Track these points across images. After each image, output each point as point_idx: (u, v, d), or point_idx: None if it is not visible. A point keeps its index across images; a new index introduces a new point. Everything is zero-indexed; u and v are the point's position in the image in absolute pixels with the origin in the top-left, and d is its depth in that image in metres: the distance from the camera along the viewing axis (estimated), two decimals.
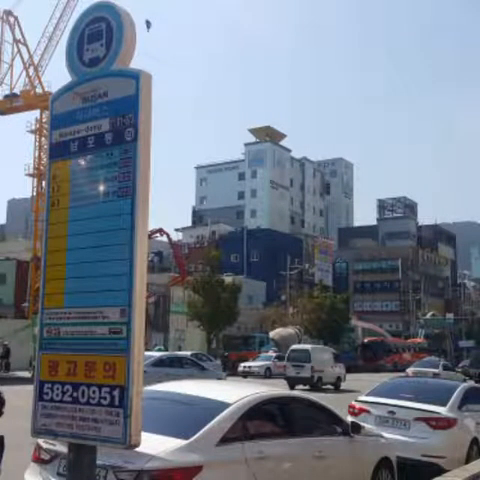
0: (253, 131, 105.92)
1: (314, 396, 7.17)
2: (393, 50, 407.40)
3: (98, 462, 3.56)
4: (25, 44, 45.61)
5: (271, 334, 50.98)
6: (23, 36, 45.64)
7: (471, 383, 15.37)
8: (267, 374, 36.90)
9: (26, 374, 25.99)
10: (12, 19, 45.37)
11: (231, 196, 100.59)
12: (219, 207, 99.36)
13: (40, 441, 4.88)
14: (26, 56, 45.34)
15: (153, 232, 52.75)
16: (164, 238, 58.20)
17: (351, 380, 31.10)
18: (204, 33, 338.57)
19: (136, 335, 3.30)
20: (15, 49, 45.21)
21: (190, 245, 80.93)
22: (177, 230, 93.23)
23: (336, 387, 28.38)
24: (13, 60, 45.49)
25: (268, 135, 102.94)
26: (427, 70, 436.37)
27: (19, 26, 45.63)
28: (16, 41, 45.20)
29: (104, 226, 3.47)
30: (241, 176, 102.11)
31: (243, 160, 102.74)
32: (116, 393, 3.27)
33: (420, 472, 8.35)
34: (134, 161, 3.41)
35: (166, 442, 4.62)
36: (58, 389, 3.50)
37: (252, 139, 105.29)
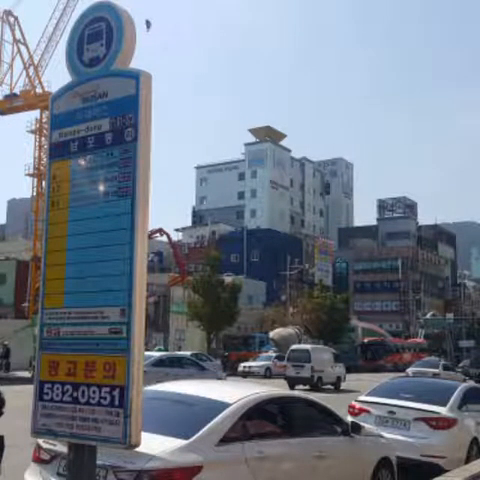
0: (253, 131, 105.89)
1: (314, 396, 7.17)
2: (393, 50, 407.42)
3: (98, 462, 3.56)
4: (25, 44, 45.66)
5: (271, 334, 50.95)
6: (23, 36, 45.72)
7: (471, 383, 15.37)
8: (267, 374, 36.89)
9: (26, 374, 25.97)
10: (12, 19, 45.44)
11: (231, 196, 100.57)
12: (219, 207, 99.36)
13: (40, 441, 4.87)
14: (26, 56, 45.44)
15: (153, 232, 52.82)
16: (164, 238, 58.28)
17: (351, 380, 31.10)
18: (204, 32, 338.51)
19: (136, 335, 3.30)
20: (15, 49, 45.30)
21: (190, 245, 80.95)
22: (177, 230, 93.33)
23: (336, 387, 28.37)
24: (13, 60, 45.59)
25: (268, 135, 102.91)
26: (428, 69, 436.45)
27: (19, 26, 45.71)
28: (16, 41, 45.25)
29: (104, 226, 3.47)
30: (241, 176, 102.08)
31: (243, 160, 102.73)
32: (116, 393, 3.27)
33: (420, 472, 8.35)
34: (134, 161, 3.40)
35: (166, 442, 4.62)
36: (58, 389, 3.50)
37: (252, 139, 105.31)
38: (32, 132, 45.52)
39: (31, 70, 45.39)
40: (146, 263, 3.47)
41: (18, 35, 45.39)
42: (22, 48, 45.46)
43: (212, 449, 4.74)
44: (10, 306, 43.08)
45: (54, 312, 3.64)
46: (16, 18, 45.60)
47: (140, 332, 3.33)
